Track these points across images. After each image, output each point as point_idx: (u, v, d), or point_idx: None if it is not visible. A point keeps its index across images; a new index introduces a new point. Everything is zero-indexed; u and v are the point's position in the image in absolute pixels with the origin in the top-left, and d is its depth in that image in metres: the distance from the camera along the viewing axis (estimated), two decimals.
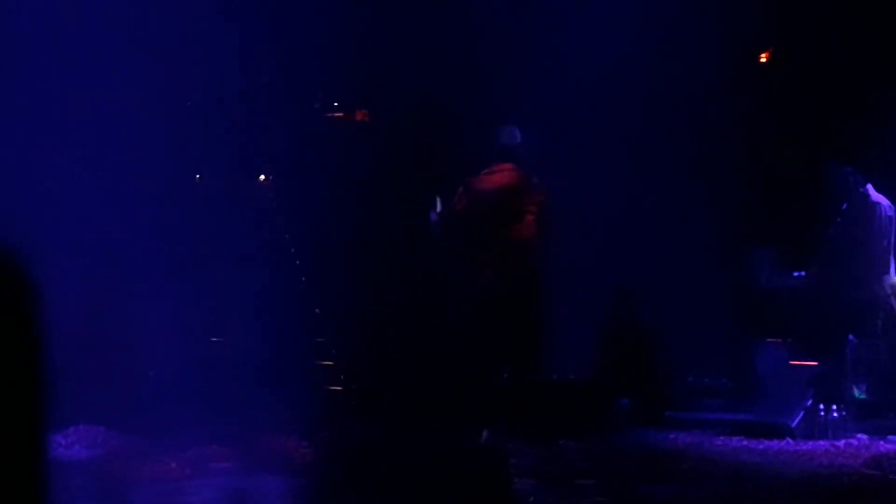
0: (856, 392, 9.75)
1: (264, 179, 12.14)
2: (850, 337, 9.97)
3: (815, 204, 10.49)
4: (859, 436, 9.23)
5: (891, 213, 10.23)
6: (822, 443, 9.01)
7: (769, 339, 10.42)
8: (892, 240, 10.22)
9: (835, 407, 9.50)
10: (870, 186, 10.27)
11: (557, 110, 10.86)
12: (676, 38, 11.30)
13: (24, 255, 2.40)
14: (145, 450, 8.04)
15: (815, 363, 10.01)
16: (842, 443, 8.97)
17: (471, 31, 11.25)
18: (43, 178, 9.22)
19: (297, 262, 11.31)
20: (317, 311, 10.98)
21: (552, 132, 10.55)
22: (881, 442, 8.99)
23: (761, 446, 8.94)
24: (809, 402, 9.58)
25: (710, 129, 11.45)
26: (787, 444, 9.08)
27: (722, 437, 9.32)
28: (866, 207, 10.26)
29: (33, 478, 2.13)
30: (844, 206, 10.42)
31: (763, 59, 12.38)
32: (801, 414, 9.53)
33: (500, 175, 8.91)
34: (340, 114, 12.20)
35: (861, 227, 10.24)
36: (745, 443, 9.10)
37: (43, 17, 9.62)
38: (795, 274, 10.58)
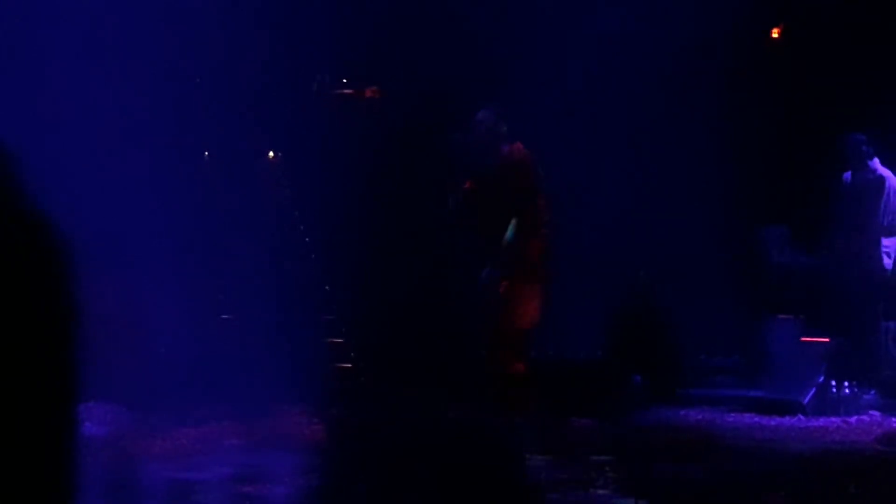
0: None
1: (273, 157, 12.10)
2: (882, 321, 9.97)
3: (828, 179, 10.46)
4: (872, 412, 9.21)
5: None
6: (834, 419, 9.00)
7: (781, 316, 10.39)
8: None
9: (847, 383, 9.48)
10: (877, 160, 10.22)
11: (571, 91, 10.84)
12: (690, 16, 11.23)
13: (51, 238, 2.37)
14: (156, 427, 8.05)
15: (827, 339, 9.99)
16: (854, 419, 8.96)
17: (483, 10, 11.19)
18: (51, 159, 9.17)
19: (307, 239, 11.28)
20: (326, 288, 10.95)
21: (564, 112, 10.52)
22: (894, 419, 8.96)
23: (773, 423, 8.93)
24: (821, 379, 9.56)
25: (721, 108, 11.37)
26: (799, 420, 9.07)
27: (734, 414, 9.32)
28: (875, 180, 10.20)
29: (63, 451, 2.11)
30: (847, 175, 10.35)
31: (775, 35, 12.30)
32: (813, 391, 9.51)
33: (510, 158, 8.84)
34: (350, 91, 12.14)
35: (868, 200, 10.19)
36: (757, 420, 9.10)
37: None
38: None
